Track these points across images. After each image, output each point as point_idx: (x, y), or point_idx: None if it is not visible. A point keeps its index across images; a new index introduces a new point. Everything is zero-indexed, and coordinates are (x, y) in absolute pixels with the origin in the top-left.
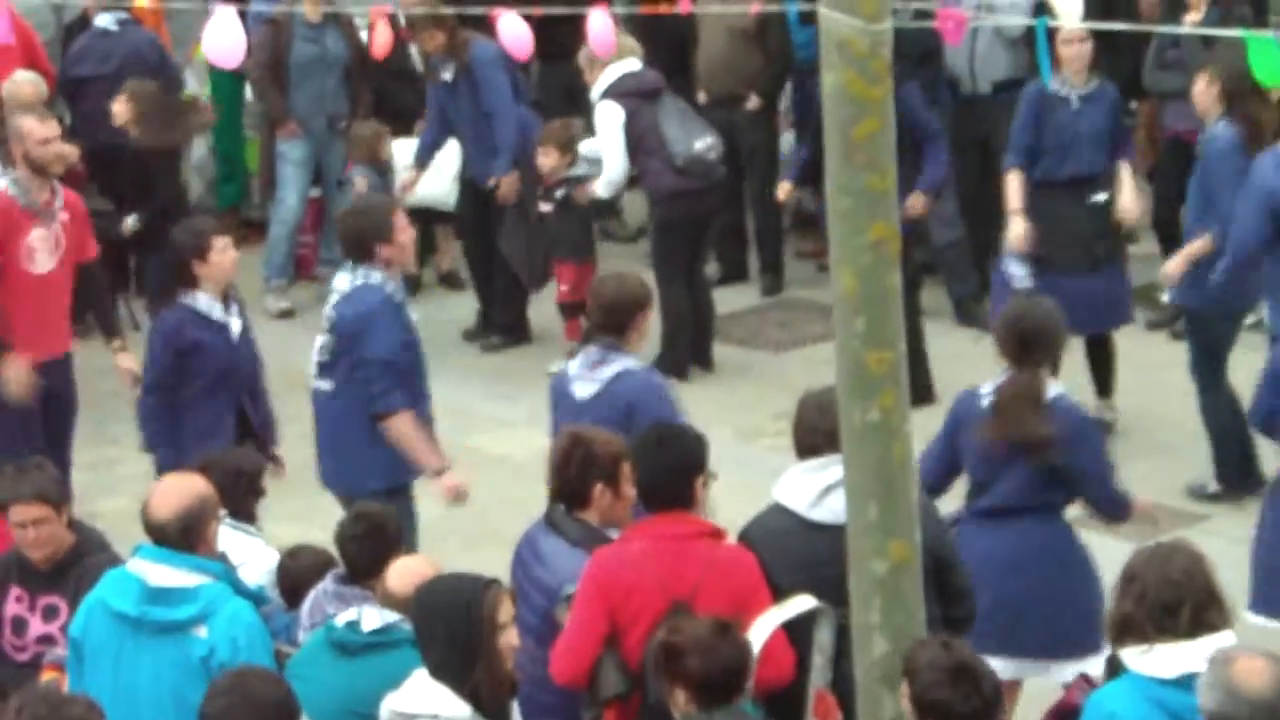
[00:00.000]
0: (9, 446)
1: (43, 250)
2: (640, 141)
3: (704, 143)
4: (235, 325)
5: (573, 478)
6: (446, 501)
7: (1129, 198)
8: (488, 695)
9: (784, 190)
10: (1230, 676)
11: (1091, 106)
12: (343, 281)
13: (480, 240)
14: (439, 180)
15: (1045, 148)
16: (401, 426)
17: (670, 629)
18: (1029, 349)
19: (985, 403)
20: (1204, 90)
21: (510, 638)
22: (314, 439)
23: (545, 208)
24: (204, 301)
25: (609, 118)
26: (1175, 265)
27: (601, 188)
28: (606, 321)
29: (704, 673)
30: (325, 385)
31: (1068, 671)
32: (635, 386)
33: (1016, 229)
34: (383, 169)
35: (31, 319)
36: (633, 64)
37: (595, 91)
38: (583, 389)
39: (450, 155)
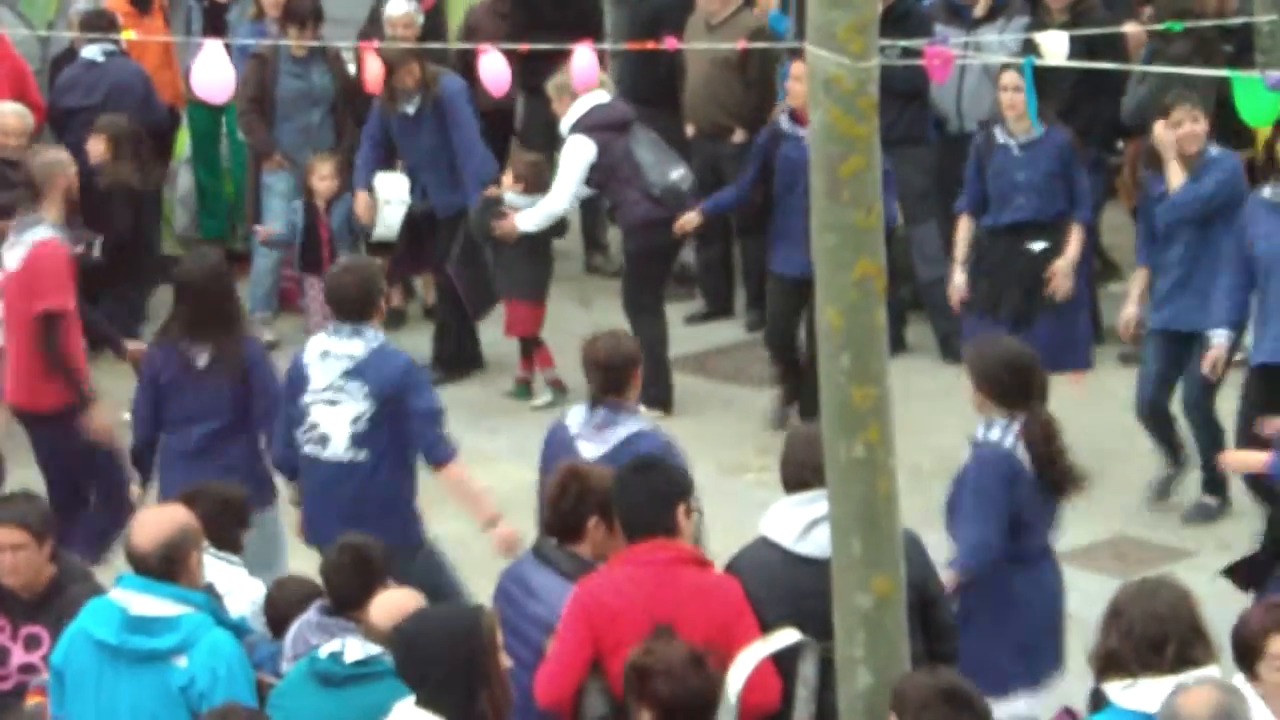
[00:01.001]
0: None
1: None
2: (614, 173)
3: (678, 173)
4: None
5: (568, 511)
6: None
7: (1067, 262)
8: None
9: (688, 223)
10: (1175, 704)
11: (1033, 153)
12: (352, 346)
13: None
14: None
15: (989, 195)
16: (458, 471)
17: (644, 650)
18: (1032, 385)
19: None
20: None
21: (505, 659)
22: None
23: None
24: None
25: (577, 153)
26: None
27: (532, 219)
28: (607, 382)
29: (671, 698)
30: (361, 456)
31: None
32: (654, 448)
33: (957, 280)
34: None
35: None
36: (602, 96)
37: (565, 124)
38: (590, 449)
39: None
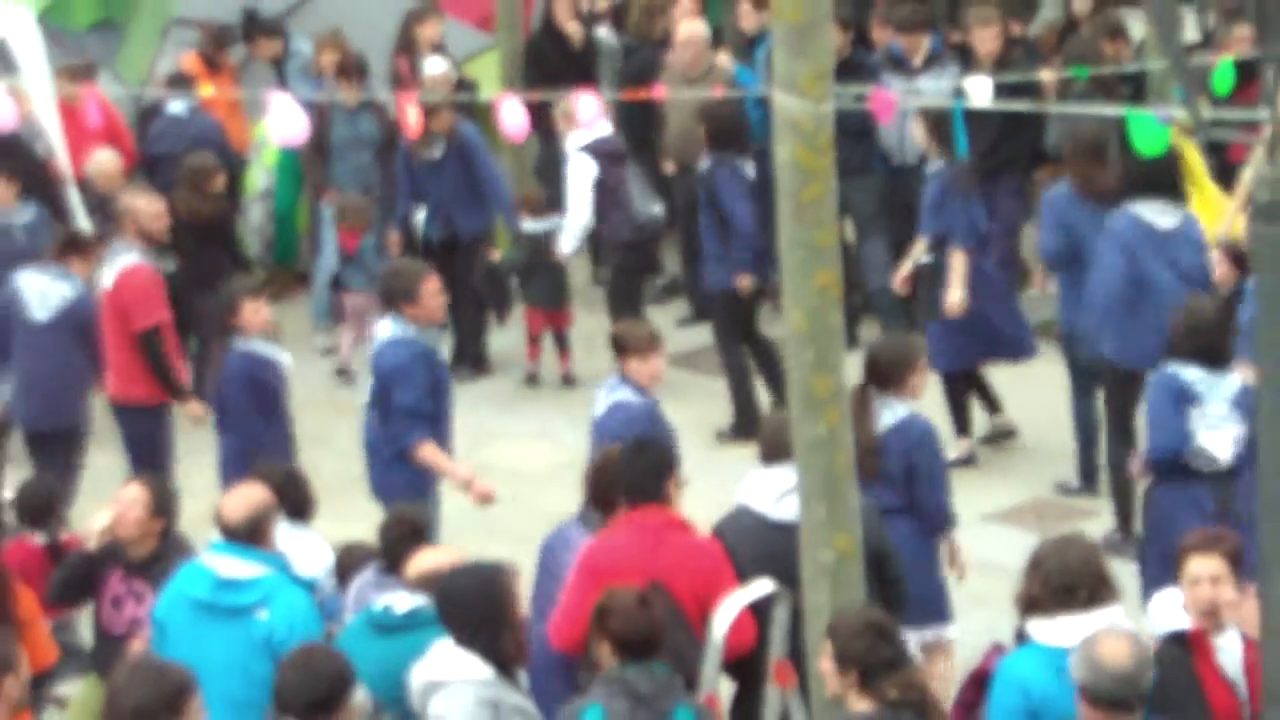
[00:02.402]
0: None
1: None
2: (609, 196)
3: (658, 208)
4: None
5: (606, 489)
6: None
7: (955, 292)
8: (511, 660)
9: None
10: (1096, 653)
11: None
12: (384, 329)
13: (451, 288)
14: None
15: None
16: (425, 454)
17: (607, 594)
18: (871, 375)
19: None
20: None
21: (521, 611)
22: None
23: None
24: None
25: (583, 170)
26: None
27: (567, 241)
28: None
29: (621, 631)
30: (373, 416)
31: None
32: (631, 415)
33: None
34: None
35: None
36: (606, 127)
37: (571, 144)
38: (598, 407)
39: None
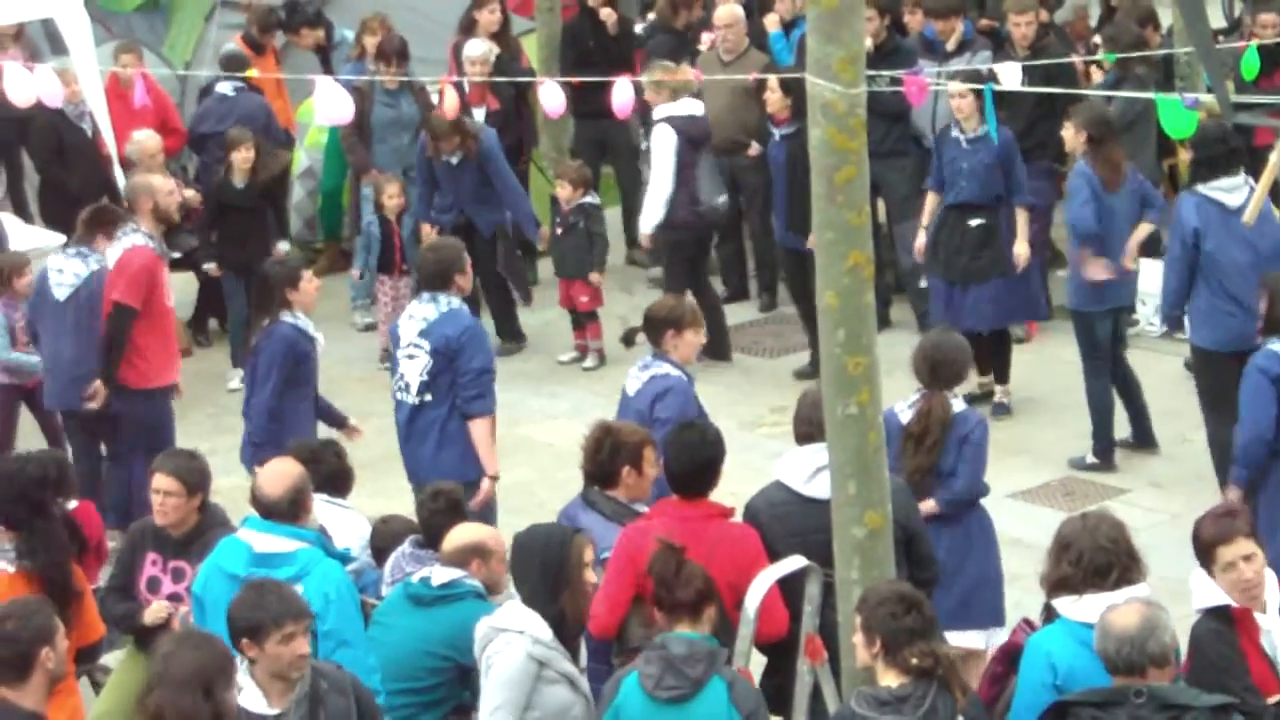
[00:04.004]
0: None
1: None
2: (678, 175)
3: (722, 199)
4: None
5: (604, 461)
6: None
7: (1022, 245)
8: (571, 623)
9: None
10: (1106, 618)
11: (978, 146)
12: (427, 310)
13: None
14: None
15: (944, 178)
16: (486, 428)
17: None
18: (936, 376)
19: (905, 420)
20: (1071, 135)
21: (590, 575)
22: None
23: (559, 232)
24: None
25: (666, 140)
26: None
27: (651, 216)
28: (648, 333)
29: (660, 585)
30: (427, 399)
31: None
32: (666, 386)
33: (920, 241)
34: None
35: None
36: (697, 107)
37: (658, 112)
38: (632, 385)
39: None
